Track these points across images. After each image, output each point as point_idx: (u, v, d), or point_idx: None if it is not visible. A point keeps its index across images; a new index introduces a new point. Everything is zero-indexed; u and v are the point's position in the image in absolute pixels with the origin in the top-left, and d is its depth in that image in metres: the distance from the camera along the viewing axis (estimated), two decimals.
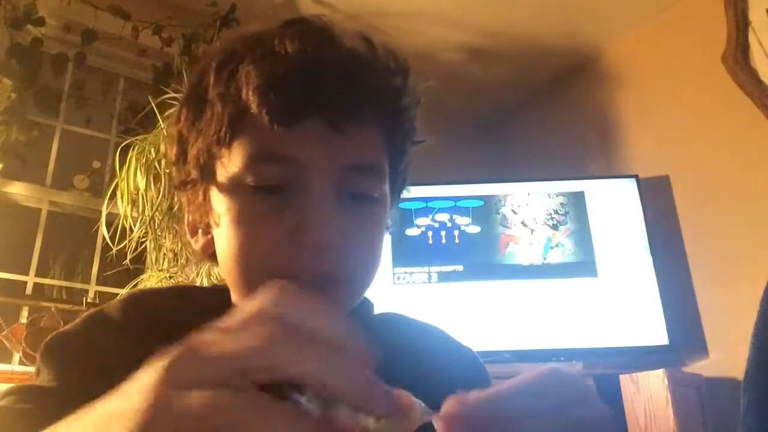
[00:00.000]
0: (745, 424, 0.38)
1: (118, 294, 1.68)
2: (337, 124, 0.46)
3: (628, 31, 2.34)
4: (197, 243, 0.53)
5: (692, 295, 1.96)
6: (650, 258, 1.95)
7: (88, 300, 1.77)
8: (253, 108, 0.45)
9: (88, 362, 0.49)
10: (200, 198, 0.51)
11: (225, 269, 0.49)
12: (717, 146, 1.97)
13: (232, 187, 0.47)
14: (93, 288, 1.89)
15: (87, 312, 0.55)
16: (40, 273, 1.82)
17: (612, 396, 1.68)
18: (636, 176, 2.08)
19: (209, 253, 0.53)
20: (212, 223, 0.50)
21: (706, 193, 1.98)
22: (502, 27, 2.32)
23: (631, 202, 2.04)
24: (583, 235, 2.02)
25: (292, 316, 0.25)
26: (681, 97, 2.12)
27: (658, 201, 2.08)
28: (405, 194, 0.60)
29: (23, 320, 1.66)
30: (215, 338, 0.25)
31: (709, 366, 1.85)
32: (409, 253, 2.02)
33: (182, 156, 0.52)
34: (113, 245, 1.56)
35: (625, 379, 1.69)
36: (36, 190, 1.87)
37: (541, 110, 2.70)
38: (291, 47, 0.47)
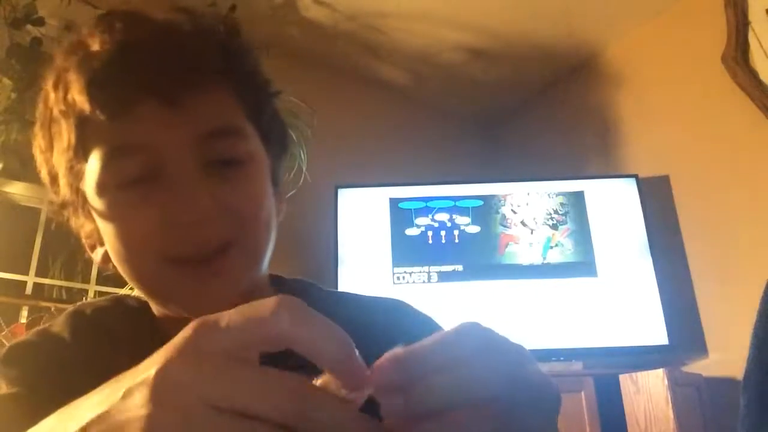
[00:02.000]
0: (744, 423, 0.38)
1: (117, 294, 1.68)
2: (169, 99, 0.46)
3: (627, 31, 2.34)
4: (97, 256, 0.53)
5: (692, 295, 1.96)
6: (650, 258, 1.95)
7: (88, 300, 1.77)
8: (86, 110, 0.45)
9: (45, 371, 0.50)
10: (80, 215, 0.51)
11: (121, 272, 0.50)
12: (717, 146, 1.97)
13: (102, 193, 0.47)
14: (93, 288, 1.89)
15: (36, 328, 0.56)
16: (39, 273, 1.82)
17: (612, 396, 1.69)
18: (636, 176, 2.08)
19: (111, 263, 0.52)
20: (101, 233, 0.50)
21: (706, 193, 1.98)
22: (501, 27, 2.32)
23: (630, 202, 2.04)
24: (582, 235, 2.02)
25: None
26: (681, 97, 2.12)
27: (657, 201, 2.08)
28: (288, 146, 0.59)
29: (23, 320, 1.66)
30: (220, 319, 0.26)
31: (709, 366, 1.86)
32: (408, 253, 2.02)
33: (52, 180, 0.53)
34: None
35: (624, 379, 1.69)
36: (36, 189, 1.87)
37: (541, 110, 2.70)
38: (101, 39, 0.48)
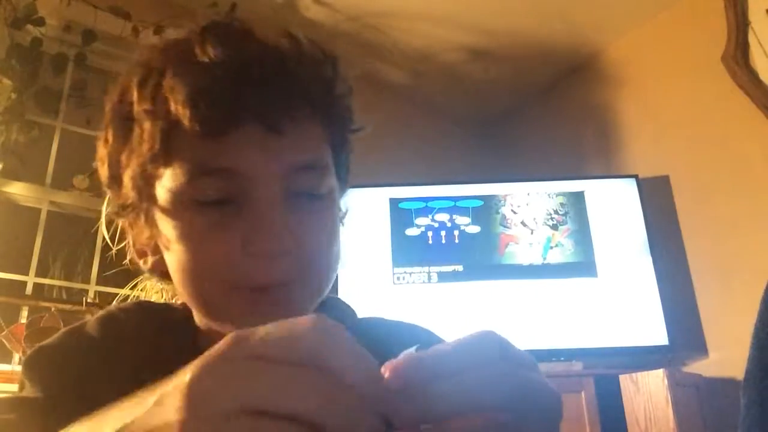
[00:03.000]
0: (745, 424, 0.38)
1: (117, 294, 1.68)
2: (272, 126, 0.45)
3: (628, 31, 2.34)
4: (147, 264, 0.52)
5: (692, 295, 1.96)
6: (650, 258, 1.95)
7: (88, 300, 1.77)
8: (185, 122, 0.44)
9: (68, 375, 0.49)
10: (143, 220, 0.49)
11: (181, 288, 0.48)
12: (717, 146, 1.97)
13: (177, 206, 0.46)
14: (93, 288, 1.89)
15: (66, 328, 0.55)
16: (40, 273, 1.82)
17: (612, 396, 1.69)
18: (636, 176, 2.08)
19: (159, 272, 0.51)
20: (161, 243, 0.49)
21: (706, 193, 1.98)
22: (502, 27, 2.32)
23: (630, 202, 2.04)
24: (582, 235, 2.02)
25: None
26: (681, 97, 2.12)
27: (658, 201, 2.08)
28: (349, 183, 0.60)
29: (23, 320, 1.66)
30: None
31: (709, 366, 1.86)
32: (408, 253, 2.02)
33: (115, 180, 0.51)
34: (113, 245, 1.56)
35: (625, 379, 1.69)
36: (36, 190, 1.87)
37: (541, 110, 2.71)
38: (213, 53, 0.46)
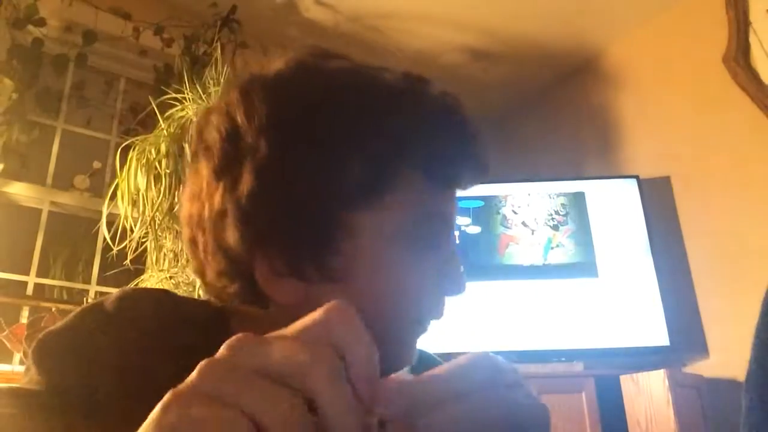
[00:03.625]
0: (747, 425, 0.38)
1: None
2: (470, 186, 0.54)
3: (628, 31, 2.34)
4: (280, 289, 0.46)
5: (693, 295, 1.96)
6: (651, 258, 1.95)
7: (89, 300, 1.78)
8: (417, 170, 0.48)
9: (76, 366, 0.46)
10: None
11: (371, 314, 0.42)
12: (717, 146, 1.97)
13: (391, 240, 0.46)
14: (93, 288, 1.89)
15: (82, 306, 0.51)
16: (40, 273, 1.82)
17: (613, 396, 1.68)
18: (636, 177, 2.08)
19: (292, 301, 0.46)
20: (336, 269, 0.46)
21: (706, 193, 1.98)
22: (502, 28, 2.32)
23: (631, 202, 2.04)
24: (583, 236, 2.02)
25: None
26: (681, 97, 2.12)
27: (658, 201, 2.08)
28: None
29: (24, 320, 1.66)
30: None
31: (710, 366, 1.85)
32: None
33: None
34: (114, 245, 1.56)
35: (625, 380, 1.69)
36: (37, 190, 1.87)
37: (542, 110, 2.70)
38: (444, 112, 0.53)
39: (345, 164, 0.45)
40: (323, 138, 0.46)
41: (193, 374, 0.25)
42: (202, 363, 0.25)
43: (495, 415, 0.29)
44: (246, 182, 0.45)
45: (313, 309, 0.27)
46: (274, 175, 0.45)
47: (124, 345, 0.47)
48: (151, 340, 0.48)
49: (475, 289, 1.97)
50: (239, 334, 0.26)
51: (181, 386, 0.24)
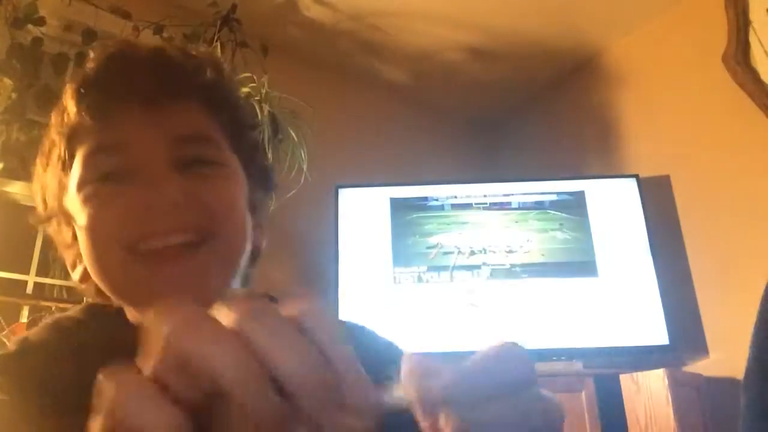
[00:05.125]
0: (745, 423, 0.38)
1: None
2: (149, 103, 0.49)
3: (628, 30, 2.34)
4: (77, 274, 0.53)
5: (692, 294, 1.96)
6: (651, 257, 1.95)
7: (89, 299, 1.77)
8: (73, 116, 0.49)
9: (33, 379, 0.48)
10: (64, 228, 0.52)
11: (92, 274, 0.49)
12: (717, 146, 1.97)
13: (78, 191, 0.48)
14: None
15: (47, 321, 0.55)
16: (40, 272, 1.82)
17: (612, 395, 1.69)
18: (636, 176, 2.08)
19: (89, 281, 0.52)
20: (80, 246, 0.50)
21: (707, 193, 1.98)
22: (502, 27, 2.32)
23: (631, 201, 2.04)
24: (583, 235, 2.02)
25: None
26: (681, 96, 2.12)
27: (658, 201, 2.08)
28: (269, 187, 0.61)
29: (24, 320, 1.66)
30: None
31: (710, 366, 1.85)
32: (409, 254, 2.02)
33: (43, 202, 0.54)
34: None
35: (625, 379, 1.69)
36: None
37: (542, 110, 2.70)
38: (95, 58, 0.52)
39: (54, 148, 0.54)
40: (51, 141, 0.55)
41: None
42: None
43: (533, 414, 0.28)
44: None
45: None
46: (41, 187, 0.56)
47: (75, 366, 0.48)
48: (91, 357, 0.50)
49: (474, 288, 1.97)
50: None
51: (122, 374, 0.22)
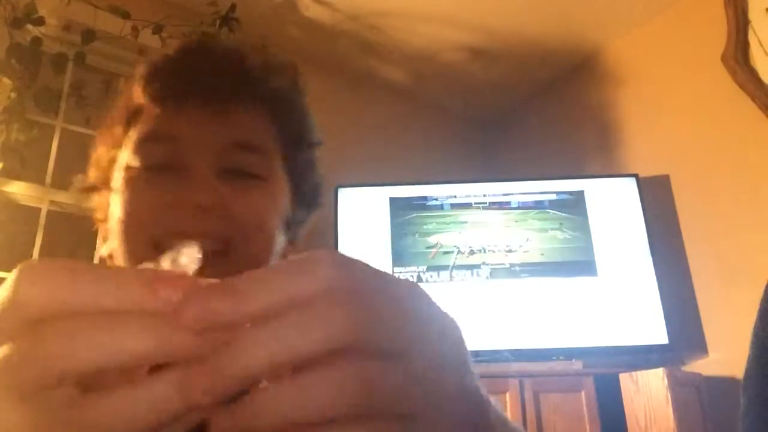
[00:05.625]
0: (745, 423, 0.38)
1: None
2: (212, 102, 0.49)
3: (628, 30, 2.34)
4: (105, 250, 0.54)
5: (692, 294, 1.96)
6: (650, 257, 1.95)
7: None
8: (138, 97, 0.50)
9: None
10: (103, 203, 0.53)
11: (116, 253, 0.49)
12: (717, 146, 1.97)
13: (125, 174, 0.49)
14: None
15: None
16: None
17: (612, 395, 1.69)
18: (636, 175, 2.08)
19: (112, 260, 0.52)
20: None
21: (706, 193, 1.98)
22: (501, 27, 2.32)
23: (631, 201, 2.04)
24: (582, 234, 2.02)
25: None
26: (681, 96, 2.12)
27: (658, 200, 2.08)
28: (316, 203, 0.60)
29: None
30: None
31: (709, 365, 1.86)
32: (409, 254, 2.02)
33: (93, 171, 0.56)
34: None
35: (625, 378, 1.69)
36: (36, 189, 1.87)
37: (541, 110, 2.70)
38: (174, 48, 0.53)
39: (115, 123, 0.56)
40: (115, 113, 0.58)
41: None
42: None
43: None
44: None
45: None
46: (96, 156, 0.58)
47: None
48: None
49: (473, 287, 1.97)
50: None
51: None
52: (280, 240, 0.52)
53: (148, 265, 0.24)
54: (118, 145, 0.51)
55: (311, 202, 0.59)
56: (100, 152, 0.54)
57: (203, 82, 0.50)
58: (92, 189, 0.55)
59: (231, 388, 0.20)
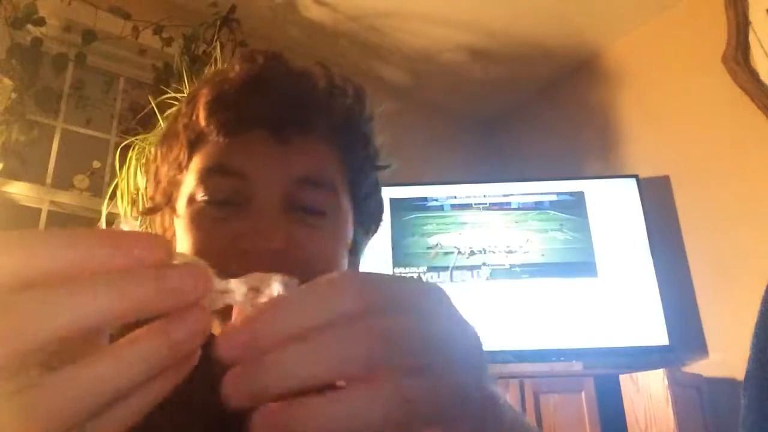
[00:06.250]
0: (745, 424, 0.38)
1: None
2: (281, 135, 0.47)
3: (628, 30, 2.34)
4: None
5: (692, 295, 1.96)
6: (650, 258, 1.95)
7: None
8: (202, 123, 0.48)
9: None
10: (166, 223, 0.53)
11: None
12: (717, 146, 1.97)
13: (188, 204, 0.48)
14: None
15: None
16: None
17: (612, 396, 1.69)
18: (636, 176, 2.08)
19: None
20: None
21: (706, 193, 1.98)
22: (502, 27, 2.32)
23: (631, 202, 2.04)
24: (583, 235, 2.02)
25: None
26: (681, 97, 2.12)
27: (658, 201, 2.08)
28: (378, 225, 0.60)
29: None
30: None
31: (710, 366, 1.85)
32: (409, 254, 2.02)
33: (153, 188, 0.54)
34: None
35: (625, 379, 1.69)
36: (36, 189, 1.87)
37: (541, 110, 2.70)
38: (240, 68, 0.51)
39: (176, 143, 0.54)
40: (174, 130, 0.55)
41: None
42: None
43: (364, 350, 0.23)
44: None
45: None
46: (155, 171, 0.56)
47: None
48: None
49: (474, 288, 1.97)
50: None
51: None
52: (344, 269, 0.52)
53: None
54: (180, 168, 0.50)
55: (371, 226, 0.59)
56: (161, 171, 0.53)
57: (270, 113, 0.48)
58: (155, 210, 0.54)
59: (265, 399, 0.21)
